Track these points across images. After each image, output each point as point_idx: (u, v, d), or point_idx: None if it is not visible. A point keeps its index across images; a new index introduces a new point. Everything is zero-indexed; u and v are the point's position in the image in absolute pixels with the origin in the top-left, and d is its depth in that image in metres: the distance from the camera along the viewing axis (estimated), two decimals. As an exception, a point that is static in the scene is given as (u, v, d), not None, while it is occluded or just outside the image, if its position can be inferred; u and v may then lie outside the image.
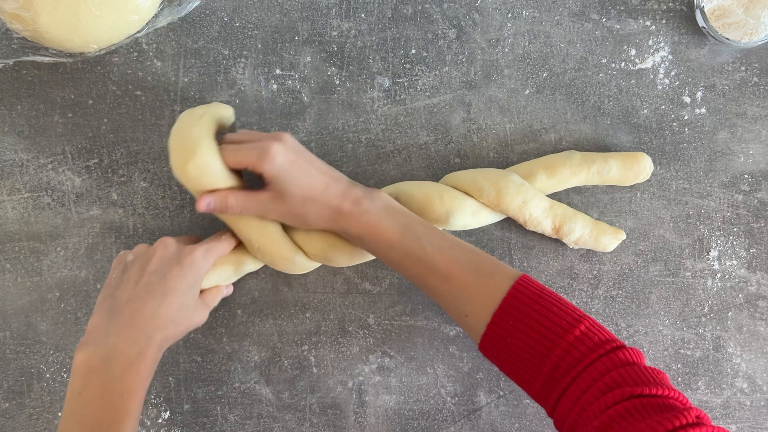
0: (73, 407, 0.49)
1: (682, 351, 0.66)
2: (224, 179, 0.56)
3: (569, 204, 0.66)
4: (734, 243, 0.67)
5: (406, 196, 0.63)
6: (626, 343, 0.66)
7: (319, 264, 0.65)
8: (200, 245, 0.58)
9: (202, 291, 0.60)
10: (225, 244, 0.60)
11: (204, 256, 0.57)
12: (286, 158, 0.55)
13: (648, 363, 0.66)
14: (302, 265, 0.63)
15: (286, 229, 0.62)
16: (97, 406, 0.49)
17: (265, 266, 0.66)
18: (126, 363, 0.50)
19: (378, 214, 0.56)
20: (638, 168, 0.64)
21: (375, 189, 0.58)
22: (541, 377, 0.49)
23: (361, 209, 0.56)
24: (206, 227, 0.66)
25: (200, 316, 0.59)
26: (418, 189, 0.63)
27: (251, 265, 0.64)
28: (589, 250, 0.66)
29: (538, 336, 0.49)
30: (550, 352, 0.48)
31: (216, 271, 0.62)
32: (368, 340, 0.67)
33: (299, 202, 0.56)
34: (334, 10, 0.67)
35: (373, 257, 0.64)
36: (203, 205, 0.55)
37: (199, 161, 0.54)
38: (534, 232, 0.66)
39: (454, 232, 0.66)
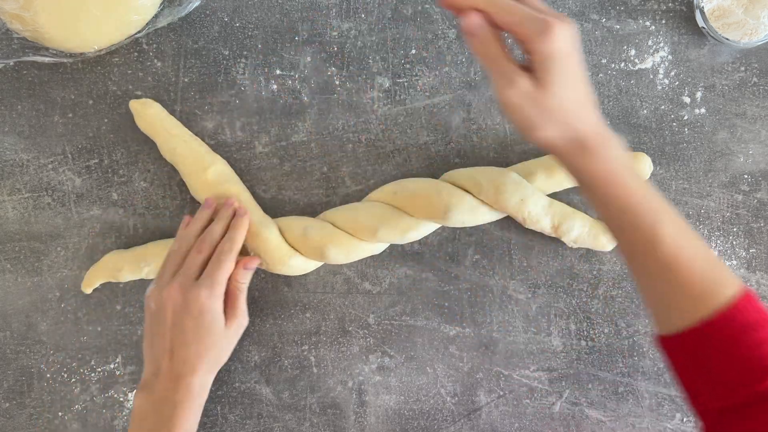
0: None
1: (682, 351, 0.66)
2: None
3: (568, 203, 0.66)
4: (734, 243, 0.67)
5: (405, 191, 0.63)
6: (626, 343, 0.66)
7: (319, 264, 0.65)
8: (202, 285, 0.57)
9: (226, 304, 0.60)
10: (225, 270, 0.59)
11: (210, 296, 0.57)
12: (571, 44, 0.45)
13: (648, 363, 0.66)
14: (298, 266, 0.63)
15: (281, 232, 0.63)
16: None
17: (265, 266, 0.66)
18: (172, 407, 0.55)
19: (624, 167, 0.48)
20: (638, 168, 0.64)
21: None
22: (723, 403, 0.45)
23: (608, 152, 0.48)
24: (205, 227, 0.66)
25: (238, 326, 0.60)
26: (416, 185, 0.63)
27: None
28: (588, 249, 0.66)
29: (739, 366, 0.44)
30: (746, 386, 0.44)
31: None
32: (368, 340, 0.67)
33: (555, 103, 0.46)
34: (334, 10, 0.67)
35: (368, 255, 0.64)
36: (470, 24, 0.46)
37: None
38: (534, 232, 0.66)
39: (454, 231, 0.66)
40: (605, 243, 0.64)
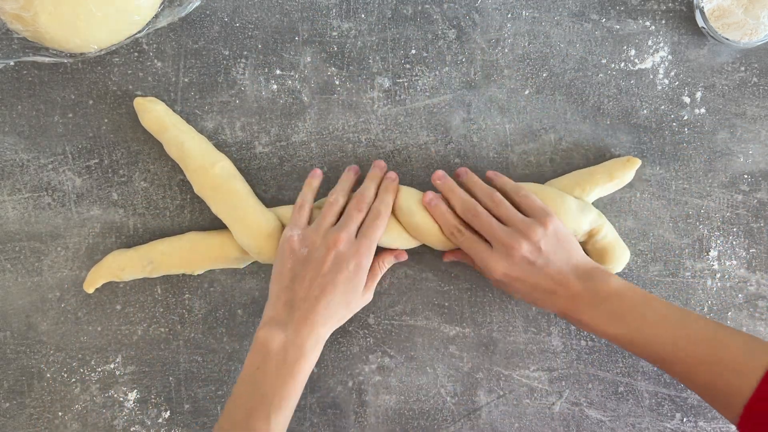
0: (250, 377, 0.55)
1: (682, 351, 0.66)
2: None
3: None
4: (734, 243, 0.67)
5: (410, 218, 0.62)
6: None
7: None
8: (362, 243, 0.58)
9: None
10: (381, 231, 0.60)
11: (368, 257, 0.58)
12: (515, 273, 0.58)
13: (648, 363, 0.66)
14: None
15: (282, 222, 0.63)
16: (270, 382, 0.54)
17: (266, 266, 0.66)
18: (299, 354, 0.55)
19: (603, 322, 0.56)
20: (627, 174, 0.64)
21: (602, 278, 0.57)
22: None
23: (585, 317, 0.56)
24: (206, 227, 0.66)
25: (365, 300, 0.61)
26: (423, 218, 0.62)
27: (245, 259, 0.64)
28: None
29: None
30: None
31: (211, 257, 0.64)
32: (368, 340, 0.67)
33: (525, 298, 0.60)
34: (334, 10, 0.67)
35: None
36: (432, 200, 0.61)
37: None
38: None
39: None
40: (611, 268, 0.64)
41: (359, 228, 0.59)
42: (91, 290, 0.65)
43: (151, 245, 0.64)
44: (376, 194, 0.62)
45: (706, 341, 0.52)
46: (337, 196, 0.61)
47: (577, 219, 0.61)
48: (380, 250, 0.64)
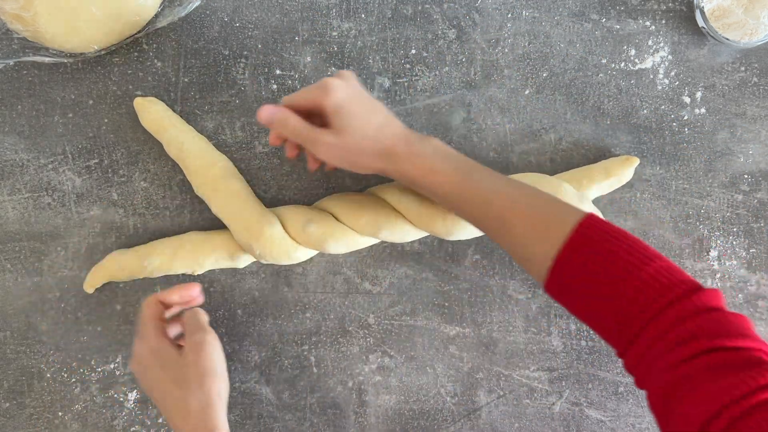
0: None
1: (682, 351, 0.66)
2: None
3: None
4: (734, 243, 0.67)
5: (410, 203, 0.62)
6: (626, 343, 0.66)
7: (315, 253, 0.65)
8: (138, 344, 0.57)
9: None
10: (152, 312, 0.58)
11: (136, 348, 0.57)
12: (346, 93, 0.55)
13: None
14: (298, 256, 0.63)
15: (283, 223, 0.63)
16: None
17: (265, 266, 0.66)
18: None
19: (432, 157, 0.55)
20: (625, 172, 0.64)
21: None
22: (610, 318, 0.46)
23: (413, 151, 0.55)
24: (206, 227, 0.66)
25: (204, 349, 0.56)
26: (421, 198, 0.63)
27: (245, 259, 0.64)
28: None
29: (606, 276, 0.46)
30: (619, 292, 0.45)
31: (211, 257, 0.64)
32: (368, 340, 0.67)
33: (356, 138, 0.55)
34: (334, 10, 0.67)
35: (368, 245, 0.64)
36: (265, 114, 0.56)
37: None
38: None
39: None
40: None
41: None
42: (91, 290, 0.65)
43: (151, 245, 0.64)
44: None
45: (528, 196, 0.53)
46: None
47: (576, 205, 0.61)
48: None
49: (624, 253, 0.46)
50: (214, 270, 0.66)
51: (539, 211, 0.52)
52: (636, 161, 0.64)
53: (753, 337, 0.42)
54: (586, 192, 0.63)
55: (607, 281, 0.46)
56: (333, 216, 0.63)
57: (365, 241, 0.64)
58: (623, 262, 0.46)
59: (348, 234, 0.62)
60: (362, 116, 0.55)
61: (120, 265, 0.64)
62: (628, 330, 0.45)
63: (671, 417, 0.41)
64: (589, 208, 0.62)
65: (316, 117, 0.57)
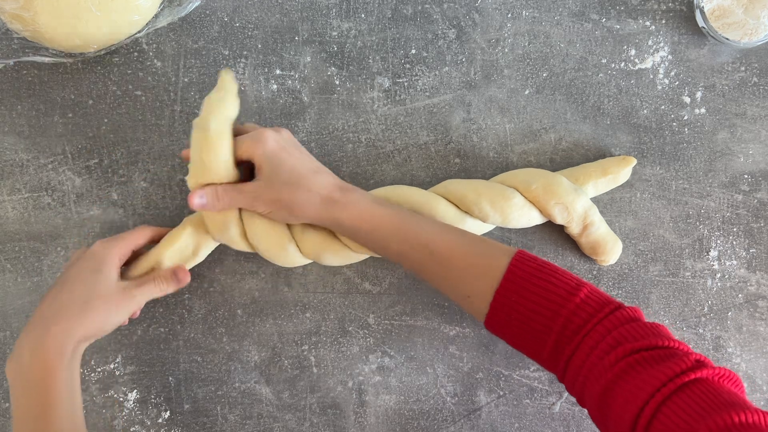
0: (14, 414, 0.52)
1: (682, 351, 0.66)
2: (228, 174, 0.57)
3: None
4: (734, 243, 0.67)
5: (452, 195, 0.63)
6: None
7: (309, 261, 0.65)
8: (101, 240, 0.58)
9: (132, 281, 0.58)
10: (135, 235, 0.59)
11: (102, 243, 0.57)
12: (277, 144, 0.56)
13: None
14: (294, 256, 0.62)
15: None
16: (28, 408, 0.51)
17: (265, 266, 0.66)
18: (43, 368, 0.51)
19: (370, 204, 0.56)
20: (622, 171, 0.64)
21: (354, 186, 0.59)
22: (548, 345, 0.50)
23: (352, 198, 0.56)
24: (206, 227, 0.66)
25: (126, 305, 0.56)
26: (415, 203, 0.62)
27: (235, 235, 0.61)
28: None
29: (540, 307, 0.50)
30: (553, 320, 0.50)
31: (173, 248, 0.61)
32: (368, 340, 0.67)
33: (288, 189, 0.55)
34: (334, 10, 0.67)
35: (365, 256, 0.64)
36: (196, 201, 0.56)
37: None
38: (533, 232, 0.66)
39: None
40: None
41: None
42: None
43: (155, 252, 0.62)
44: None
45: (463, 237, 0.55)
46: None
47: (570, 195, 0.61)
48: None
49: (554, 286, 0.51)
50: (214, 270, 0.66)
51: (476, 250, 0.54)
52: (633, 161, 0.64)
53: (670, 338, 0.47)
54: (581, 187, 0.63)
55: (543, 310, 0.50)
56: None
57: (360, 256, 0.64)
58: (554, 294, 0.50)
59: (343, 249, 0.62)
60: (293, 165, 0.56)
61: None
62: (564, 352, 0.49)
63: (608, 423, 0.46)
64: (585, 202, 0.62)
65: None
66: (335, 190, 0.56)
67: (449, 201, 0.63)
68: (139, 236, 0.60)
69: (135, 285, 0.57)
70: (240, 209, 0.61)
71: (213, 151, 0.55)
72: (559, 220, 0.62)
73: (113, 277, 0.56)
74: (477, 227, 0.63)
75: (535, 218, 0.63)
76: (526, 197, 0.62)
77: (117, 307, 0.55)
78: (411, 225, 0.56)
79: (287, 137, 0.58)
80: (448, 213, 0.62)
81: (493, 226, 0.65)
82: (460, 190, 0.63)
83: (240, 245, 0.62)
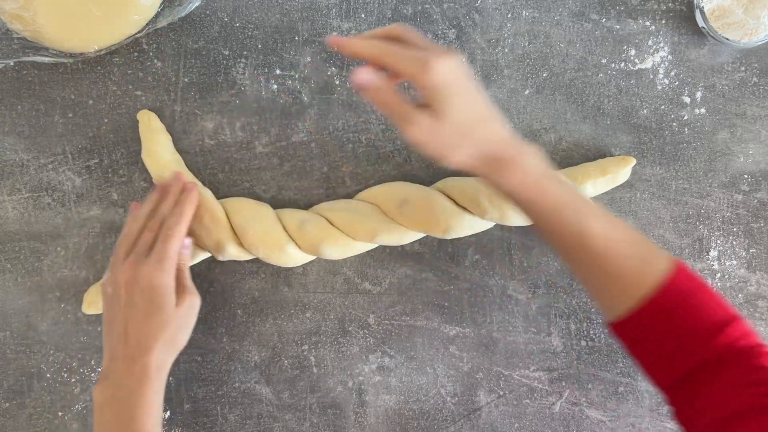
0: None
1: (682, 351, 0.66)
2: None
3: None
4: (734, 243, 0.67)
5: (405, 206, 0.62)
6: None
7: (313, 257, 0.65)
8: (150, 259, 0.55)
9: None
10: (173, 245, 0.57)
11: (158, 270, 0.55)
12: (453, 74, 0.48)
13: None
14: (294, 256, 0.63)
15: (280, 219, 0.63)
16: (110, 419, 0.53)
17: (265, 266, 0.66)
18: (128, 392, 0.53)
19: (544, 173, 0.51)
20: (621, 171, 0.64)
21: (532, 143, 0.52)
22: (680, 371, 0.47)
23: (526, 162, 0.50)
24: (206, 227, 0.66)
25: (191, 308, 0.57)
26: (416, 201, 0.62)
27: (233, 251, 0.63)
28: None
29: (687, 332, 0.47)
30: (696, 351, 0.47)
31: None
32: (368, 340, 0.67)
33: (456, 128, 0.48)
34: (334, 10, 0.67)
35: (364, 250, 0.64)
36: (363, 79, 0.49)
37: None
38: (534, 232, 0.66)
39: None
40: None
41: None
42: (90, 311, 0.64)
43: None
44: None
45: (625, 234, 0.51)
46: (131, 226, 0.58)
47: None
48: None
49: (710, 313, 0.47)
50: (214, 270, 0.66)
51: (634, 251, 0.50)
52: (632, 161, 0.64)
53: None
54: (580, 186, 0.63)
55: (690, 337, 0.47)
56: (328, 221, 0.63)
57: (361, 246, 0.64)
58: (708, 321, 0.47)
59: (343, 239, 0.62)
60: (465, 104, 0.49)
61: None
62: (696, 383, 0.47)
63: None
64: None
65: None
66: (509, 147, 0.50)
67: (448, 197, 0.63)
68: (180, 251, 0.58)
69: (183, 286, 0.57)
70: (230, 221, 0.62)
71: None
72: None
73: (173, 297, 0.56)
74: (476, 224, 0.63)
75: None
76: None
77: (189, 313, 0.57)
78: (575, 209, 0.50)
79: (462, 66, 0.49)
80: (446, 209, 0.62)
81: (493, 224, 0.65)
82: (459, 186, 0.63)
83: (241, 256, 0.63)
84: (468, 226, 0.63)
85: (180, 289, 0.57)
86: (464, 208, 0.63)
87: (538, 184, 0.50)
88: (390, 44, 0.49)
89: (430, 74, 0.47)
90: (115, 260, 0.57)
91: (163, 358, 0.55)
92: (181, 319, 0.56)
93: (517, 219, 0.63)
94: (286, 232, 0.62)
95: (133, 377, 0.53)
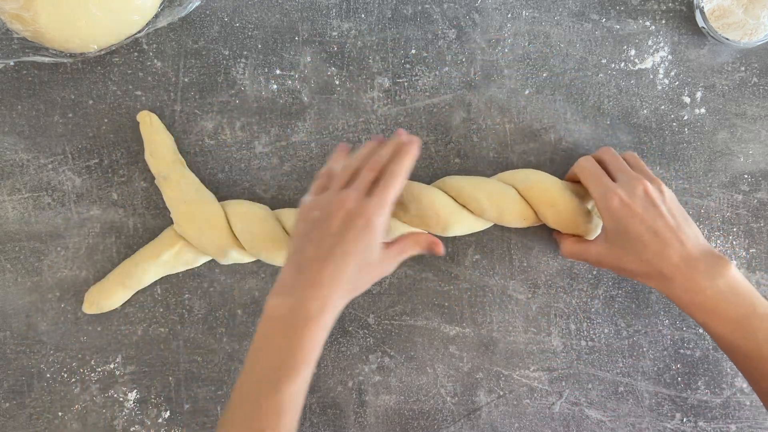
0: (259, 346, 0.53)
1: (682, 351, 0.66)
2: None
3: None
4: (734, 243, 0.67)
5: (402, 203, 0.62)
6: (626, 343, 0.66)
7: None
8: (373, 199, 0.54)
9: (390, 243, 0.58)
10: (394, 190, 0.55)
11: (379, 215, 0.54)
12: (623, 204, 0.55)
13: (648, 363, 0.66)
14: None
15: (282, 223, 0.63)
16: (278, 350, 0.52)
17: (266, 266, 0.66)
18: (306, 317, 0.52)
19: (715, 297, 0.52)
20: None
21: (723, 258, 0.54)
22: None
23: (693, 286, 0.53)
24: (206, 227, 0.66)
25: (384, 270, 0.57)
26: (417, 198, 0.62)
27: (236, 255, 0.63)
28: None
29: None
30: None
31: (182, 259, 0.63)
32: (368, 340, 0.67)
33: (629, 257, 0.55)
34: (334, 10, 0.67)
35: None
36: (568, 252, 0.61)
37: None
38: (534, 232, 0.66)
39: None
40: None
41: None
42: (91, 311, 0.65)
43: (121, 267, 0.64)
44: None
45: None
46: (353, 161, 0.58)
47: (583, 221, 0.61)
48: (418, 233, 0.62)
49: None
50: (214, 270, 0.66)
51: None
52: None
53: None
54: (594, 207, 0.63)
55: None
56: None
57: None
58: None
59: None
60: (642, 240, 0.54)
61: (105, 295, 0.64)
62: None
63: None
64: (596, 225, 0.62)
65: None
66: (680, 271, 0.53)
67: (447, 194, 0.63)
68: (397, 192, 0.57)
69: (397, 252, 0.58)
70: (228, 220, 0.62)
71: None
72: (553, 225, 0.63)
73: (380, 245, 0.56)
74: (475, 223, 0.63)
75: (530, 218, 0.63)
76: (523, 196, 0.62)
77: (381, 272, 0.57)
78: (746, 333, 0.51)
79: (642, 194, 0.56)
80: (445, 205, 0.62)
81: (491, 224, 0.65)
82: (458, 183, 0.63)
83: (244, 259, 0.64)
84: (467, 223, 0.63)
85: (391, 250, 0.58)
86: (463, 206, 0.63)
87: (708, 308, 0.52)
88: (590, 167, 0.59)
89: (608, 204, 0.55)
90: (320, 187, 0.58)
91: (343, 299, 0.54)
92: (373, 270, 0.56)
93: (515, 221, 0.62)
94: (287, 233, 0.62)
95: (315, 304, 0.52)
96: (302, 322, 0.52)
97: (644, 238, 0.54)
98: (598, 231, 0.63)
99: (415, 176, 0.67)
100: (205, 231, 0.61)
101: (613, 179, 0.58)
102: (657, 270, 0.54)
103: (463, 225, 0.63)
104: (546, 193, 0.61)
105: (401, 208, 0.62)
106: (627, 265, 0.56)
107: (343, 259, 0.53)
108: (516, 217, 0.62)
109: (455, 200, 0.63)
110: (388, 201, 0.55)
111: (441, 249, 0.61)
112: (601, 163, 0.60)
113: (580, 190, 0.63)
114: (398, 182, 0.56)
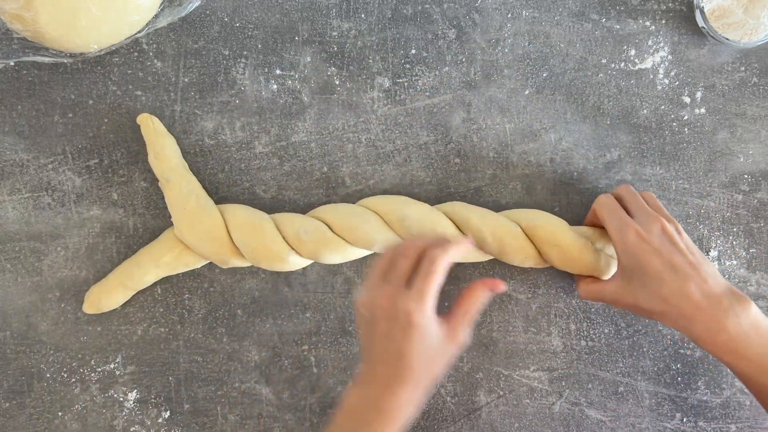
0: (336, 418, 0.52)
1: (682, 351, 0.66)
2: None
3: (569, 204, 0.66)
4: (734, 243, 0.67)
5: (405, 220, 0.62)
6: (626, 343, 0.66)
7: (309, 262, 0.65)
8: (410, 296, 0.50)
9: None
10: (434, 281, 0.51)
11: (418, 309, 0.50)
12: (638, 241, 0.54)
13: (648, 363, 0.66)
14: (295, 263, 0.63)
15: (278, 227, 0.63)
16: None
17: (265, 266, 0.66)
18: (376, 413, 0.50)
19: (739, 336, 0.51)
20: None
21: (744, 296, 0.52)
22: None
23: (718, 326, 0.51)
24: (206, 227, 0.66)
25: (455, 345, 0.52)
26: (419, 222, 0.61)
27: (236, 262, 0.63)
28: (589, 250, 0.66)
29: None
30: None
31: (182, 260, 0.63)
32: (368, 340, 0.67)
33: (647, 296, 0.54)
34: (334, 10, 0.67)
35: (365, 253, 0.64)
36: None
37: None
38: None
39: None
40: None
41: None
42: (91, 311, 0.65)
43: (122, 267, 0.64)
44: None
45: None
46: (396, 249, 0.53)
47: (595, 262, 0.61)
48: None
49: None
50: (214, 270, 0.66)
51: None
52: None
53: None
54: (596, 244, 0.63)
55: None
56: (327, 226, 0.63)
57: (361, 252, 0.64)
58: None
59: (343, 245, 0.62)
60: (659, 275, 0.53)
61: (106, 296, 0.64)
62: None
63: None
64: (608, 264, 0.62)
65: None
66: (701, 312, 0.52)
67: (451, 219, 0.63)
68: (444, 269, 0.52)
69: (459, 323, 0.52)
70: (226, 224, 0.62)
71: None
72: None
73: (437, 329, 0.51)
74: (473, 255, 0.63)
75: (532, 256, 0.62)
76: (527, 234, 0.62)
77: (450, 351, 0.52)
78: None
79: (659, 231, 0.55)
80: (447, 231, 0.62)
81: (490, 257, 0.64)
82: (465, 212, 0.62)
83: (244, 264, 0.64)
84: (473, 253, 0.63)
85: (452, 327, 0.52)
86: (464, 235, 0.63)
87: (732, 347, 0.51)
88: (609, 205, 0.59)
89: (628, 239, 0.55)
90: (371, 280, 0.53)
91: (415, 391, 0.51)
92: (442, 355, 0.52)
93: (516, 259, 0.62)
94: (286, 241, 0.62)
95: (384, 403, 0.50)
96: (373, 419, 0.50)
97: (662, 274, 0.53)
98: (613, 270, 0.62)
99: (415, 177, 0.67)
100: (204, 241, 0.61)
101: (631, 216, 0.57)
102: (676, 308, 0.52)
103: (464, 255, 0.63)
104: (549, 233, 0.61)
105: (401, 225, 0.62)
106: (644, 303, 0.54)
107: (397, 361, 0.50)
108: (517, 253, 0.62)
109: (458, 227, 0.63)
110: (428, 292, 0.50)
111: (503, 286, 0.54)
112: (619, 200, 0.60)
113: (587, 232, 0.63)
114: (439, 268, 0.51)
